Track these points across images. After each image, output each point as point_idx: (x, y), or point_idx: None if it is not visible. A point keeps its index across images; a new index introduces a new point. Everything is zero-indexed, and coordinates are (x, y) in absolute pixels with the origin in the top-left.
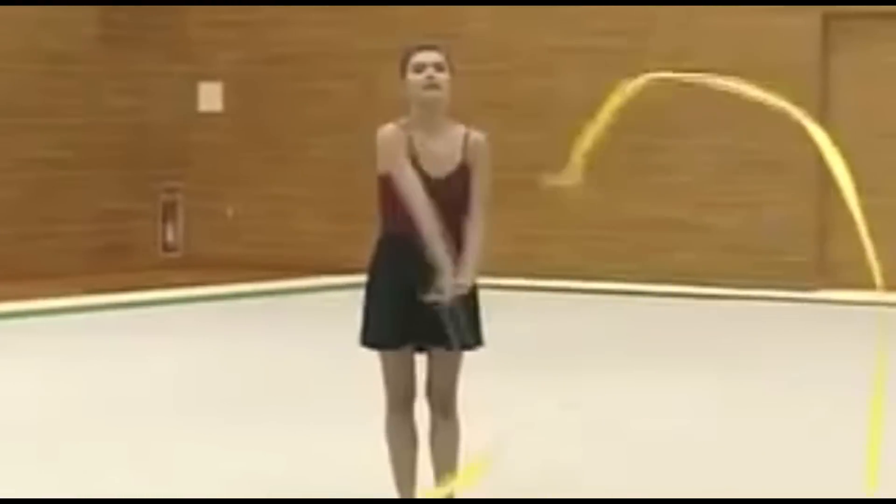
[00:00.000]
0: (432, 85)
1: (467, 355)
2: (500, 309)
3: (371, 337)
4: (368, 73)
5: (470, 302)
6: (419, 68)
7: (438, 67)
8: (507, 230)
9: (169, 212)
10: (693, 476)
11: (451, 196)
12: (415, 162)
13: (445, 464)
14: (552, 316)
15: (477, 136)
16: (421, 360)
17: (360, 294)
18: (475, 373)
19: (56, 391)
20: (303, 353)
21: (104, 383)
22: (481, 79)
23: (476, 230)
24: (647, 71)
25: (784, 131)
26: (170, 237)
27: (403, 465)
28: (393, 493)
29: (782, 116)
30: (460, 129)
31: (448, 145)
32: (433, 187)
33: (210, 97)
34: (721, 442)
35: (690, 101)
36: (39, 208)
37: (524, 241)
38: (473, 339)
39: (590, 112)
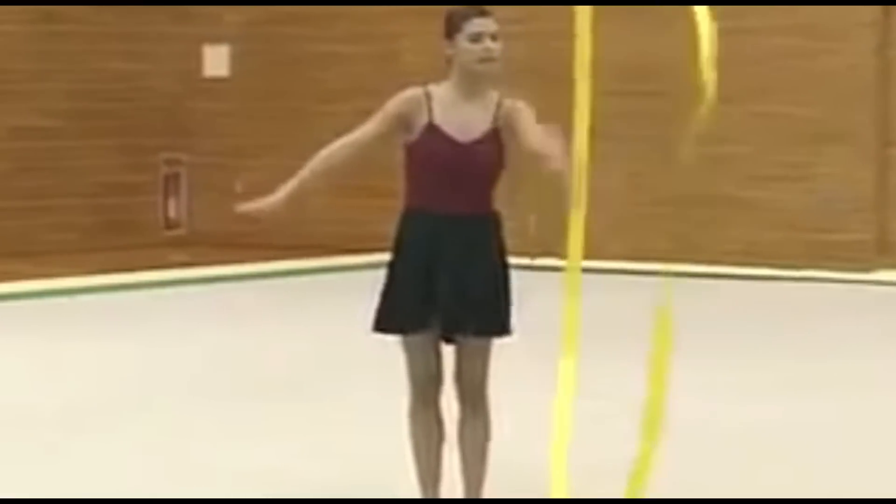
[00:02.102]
0: (490, 58)
1: (497, 343)
2: (530, 292)
3: (384, 322)
4: (389, 33)
5: (502, 285)
6: (476, 38)
7: (494, 37)
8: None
9: (171, 186)
10: (747, 469)
11: (479, 162)
12: (436, 128)
13: (473, 460)
14: (587, 300)
15: (511, 101)
16: (449, 347)
17: (380, 275)
18: (506, 362)
19: (52, 381)
20: (321, 339)
21: (103, 372)
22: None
23: (561, 154)
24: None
25: (841, 98)
26: (172, 213)
27: (426, 461)
28: (415, 491)
29: (839, 82)
30: (493, 95)
31: (479, 110)
32: (459, 152)
33: (216, 61)
34: (764, 433)
35: (736, 64)
36: (29, 182)
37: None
38: (505, 325)
39: (627, 76)
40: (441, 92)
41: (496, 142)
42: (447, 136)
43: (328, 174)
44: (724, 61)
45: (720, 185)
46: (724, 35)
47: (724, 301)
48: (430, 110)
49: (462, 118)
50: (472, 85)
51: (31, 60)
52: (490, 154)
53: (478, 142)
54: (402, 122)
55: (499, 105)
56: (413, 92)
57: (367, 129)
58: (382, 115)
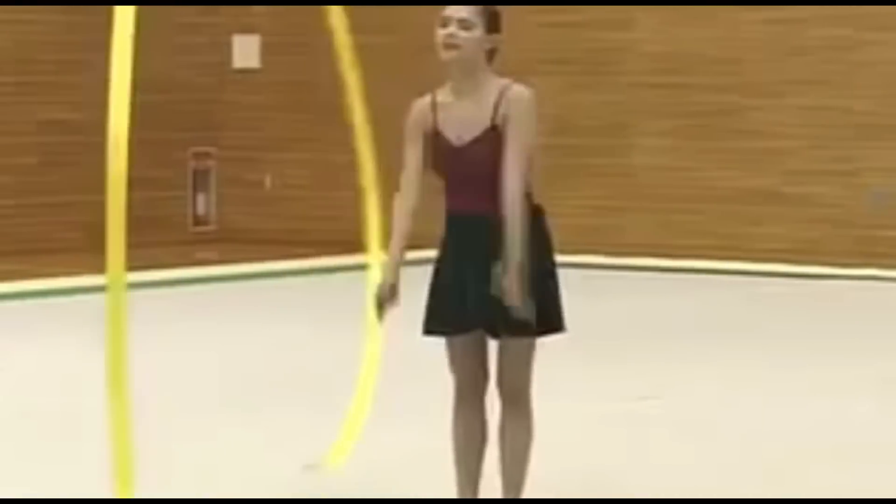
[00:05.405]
0: (451, 44)
1: (541, 341)
2: (569, 289)
3: (430, 324)
4: (425, 23)
5: (549, 282)
6: (443, 23)
7: (464, 24)
8: (577, 201)
9: (200, 181)
10: (790, 478)
11: (477, 162)
12: (439, 133)
13: (513, 461)
14: (627, 297)
15: (518, 89)
16: (492, 346)
17: (414, 273)
18: (549, 361)
19: (72, 381)
20: (352, 338)
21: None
22: (546, 31)
23: (512, 197)
24: None
25: (887, 89)
26: (201, 209)
27: (465, 462)
28: (452, 492)
29: (889, 74)
30: (498, 87)
31: (478, 108)
32: (457, 155)
33: (246, 52)
34: (821, 440)
35: (780, 56)
36: (55, 176)
37: (595, 213)
38: (555, 322)
39: (668, 68)
40: (444, 94)
41: (492, 140)
42: (447, 140)
43: (413, 219)
44: (769, 52)
45: (761, 179)
46: (769, 25)
47: (770, 299)
48: (434, 117)
49: (461, 118)
50: (457, 80)
51: (56, 52)
52: (489, 153)
53: (476, 141)
54: (421, 134)
55: (502, 94)
56: (419, 104)
57: (410, 158)
58: (408, 138)
